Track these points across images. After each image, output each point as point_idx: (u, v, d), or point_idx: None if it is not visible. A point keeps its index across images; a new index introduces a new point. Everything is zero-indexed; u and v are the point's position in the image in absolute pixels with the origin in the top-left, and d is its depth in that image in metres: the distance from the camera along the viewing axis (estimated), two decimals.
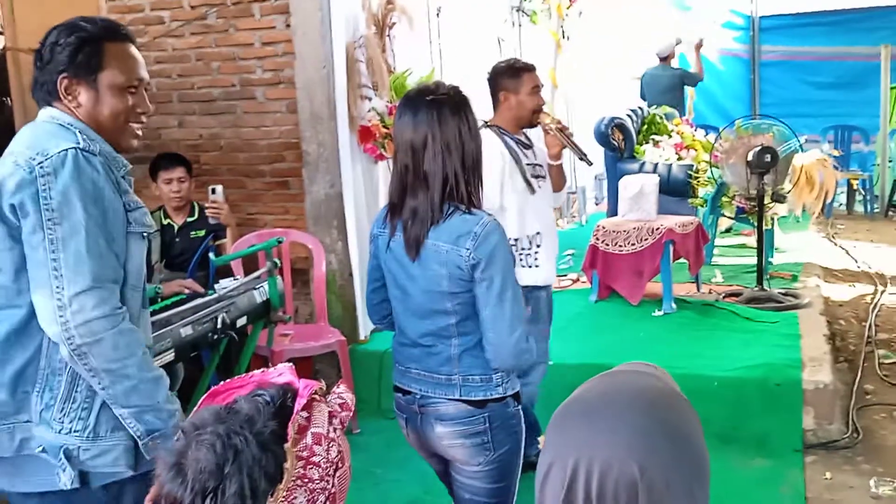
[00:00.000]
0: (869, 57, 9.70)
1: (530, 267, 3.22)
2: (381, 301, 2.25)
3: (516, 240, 3.18)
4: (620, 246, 4.98)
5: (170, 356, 2.77)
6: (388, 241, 2.11)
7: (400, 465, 3.64)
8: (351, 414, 1.18)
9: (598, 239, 5.10)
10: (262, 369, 1.18)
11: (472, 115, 2.06)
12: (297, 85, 4.28)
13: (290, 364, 1.18)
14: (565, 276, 5.86)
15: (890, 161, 8.93)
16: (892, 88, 9.04)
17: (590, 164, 3.60)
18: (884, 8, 10.22)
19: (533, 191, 3.22)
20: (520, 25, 7.41)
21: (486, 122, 3.25)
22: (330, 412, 1.17)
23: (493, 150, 3.12)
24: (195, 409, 1.12)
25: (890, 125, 8.91)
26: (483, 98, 3.24)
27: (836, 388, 3.79)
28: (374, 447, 3.87)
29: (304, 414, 1.13)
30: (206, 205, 4.02)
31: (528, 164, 3.25)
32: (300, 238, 4.30)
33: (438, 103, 2.01)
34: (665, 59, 8.72)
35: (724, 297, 5.10)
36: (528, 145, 3.31)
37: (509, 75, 3.24)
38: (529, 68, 3.27)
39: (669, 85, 8.64)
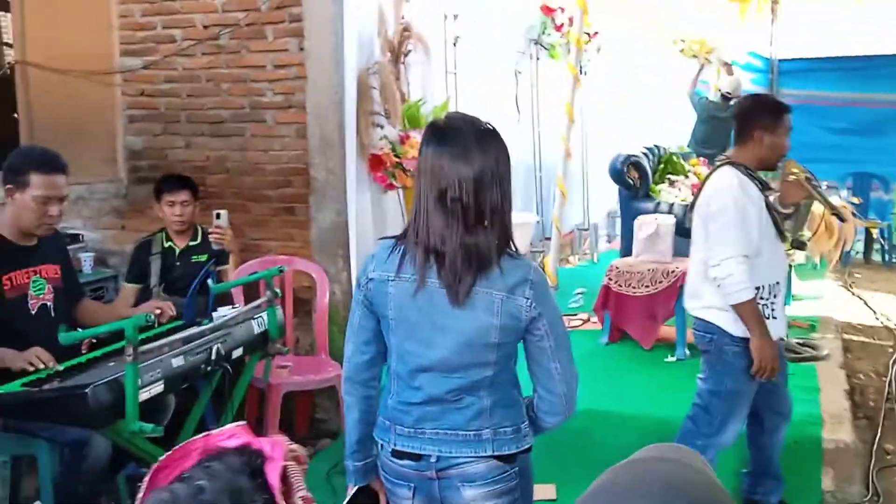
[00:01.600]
0: (889, 104, 9.59)
1: (767, 318, 2.94)
2: (374, 356, 1.98)
3: (759, 288, 2.94)
4: (634, 287, 4.83)
5: (159, 388, 2.63)
6: (414, 289, 1.85)
7: None
8: (306, 468, 1.03)
9: (611, 279, 4.96)
10: (203, 433, 1.02)
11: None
12: (308, 109, 4.17)
13: (243, 423, 1.03)
14: (575, 315, 5.71)
15: None
16: None
17: (842, 220, 3.35)
18: None
19: (784, 238, 3.03)
20: (538, 59, 7.33)
21: (728, 159, 3.05)
22: (295, 458, 1.05)
23: (749, 191, 2.94)
24: (138, 501, 0.95)
25: None
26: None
27: (856, 448, 3.62)
28: None
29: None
30: (210, 229, 3.90)
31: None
32: (304, 266, 4.17)
33: (492, 134, 1.85)
34: (729, 99, 8.62)
35: None
36: (768, 187, 3.07)
37: (770, 112, 3.01)
38: (789, 109, 3.04)
39: (729, 124, 8.58)
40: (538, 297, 1.84)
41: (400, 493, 1.99)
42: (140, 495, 0.95)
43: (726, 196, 2.91)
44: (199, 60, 4.39)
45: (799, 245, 5.12)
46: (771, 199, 3.02)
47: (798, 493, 3.46)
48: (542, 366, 1.91)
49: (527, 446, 1.95)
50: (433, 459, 1.91)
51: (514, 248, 1.89)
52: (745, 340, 2.92)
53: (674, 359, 4.70)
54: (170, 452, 0.99)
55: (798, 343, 4.89)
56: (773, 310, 2.99)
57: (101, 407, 2.44)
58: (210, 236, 3.91)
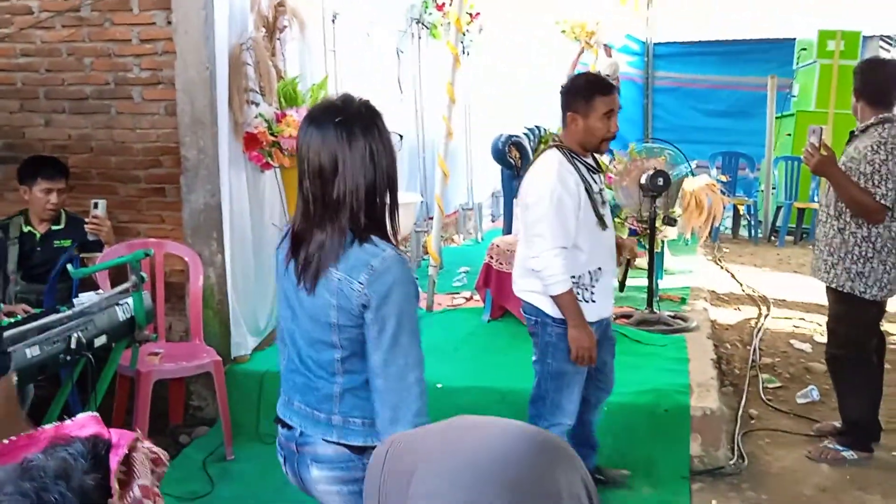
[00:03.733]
0: (756, 87, 10.06)
1: (586, 301, 2.97)
2: None
3: (580, 276, 2.96)
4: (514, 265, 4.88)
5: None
6: (286, 262, 1.91)
7: (276, 493, 3.40)
8: (166, 469, 0.99)
9: (492, 258, 5.00)
10: (53, 424, 0.97)
11: (385, 132, 1.83)
12: (178, 86, 4.00)
13: (94, 414, 0.98)
14: (458, 293, 5.74)
15: (773, 188, 9.24)
16: (777, 118, 9.38)
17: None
18: (772, 40, 10.65)
19: (604, 227, 2.98)
20: (419, 38, 7.30)
21: (556, 140, 3.03)
22: (153, 459, 1.00)
23: (568, 183, 2.88)
24: None
25: (774, 153, 9.24)
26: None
27: (722, 414, 3.78)
28: (249, 475, 3.62)
29: (122, 468, 0.94)
30: (87, 220, 3.71)
31: (597, 192, 2.99)
32: (175, 249, 4.01)
33: (348, 124, 1.78)
34: None
35: (615, 319, 5.06)
36: (596, 169, 3.03)
37: (581, 96, 2.92)
38: (604, 90, 2.92)
39: None
40: (373, 283, 1.77)
41: (280, 461, 2.00)
42: None
43: (543, 187, 2.88)
44: (58, 33, 4.13)
45: (670, 221, 5.33)
46: (597, 180, 3.01)
47: (667, 459, 3.60)
48: (369, 356, 1.82)
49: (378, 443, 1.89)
50: (297, 433, 1.92)
51: (380, 235, 1.83)
52: (566, 323, 2.94)
53: None
54: (13, 439, 0.92)
55: (670, 316, 5.07)
56: (592, 293, 3.00)
57: None
58: (87, 227, 3.71)
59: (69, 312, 2.77)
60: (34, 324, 2.61)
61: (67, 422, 0.96)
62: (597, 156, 3.10)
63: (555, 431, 3.02)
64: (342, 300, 1.79)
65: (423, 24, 7.28)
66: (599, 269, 3.02)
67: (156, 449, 1.00)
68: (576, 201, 2.87)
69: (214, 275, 4.10)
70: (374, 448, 1.82)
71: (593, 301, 3.00)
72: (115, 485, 0.91)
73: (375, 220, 1.83)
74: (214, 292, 4.11)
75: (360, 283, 1.77)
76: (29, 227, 3.80)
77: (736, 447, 3.82)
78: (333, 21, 5.40)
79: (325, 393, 1.87)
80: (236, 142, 4.12)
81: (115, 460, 0.93)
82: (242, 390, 4.01)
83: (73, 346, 2.70)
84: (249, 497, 3.42)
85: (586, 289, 2.99)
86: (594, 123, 2.91)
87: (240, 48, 4.13)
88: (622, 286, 3.45)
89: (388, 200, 1.85)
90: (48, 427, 0.95)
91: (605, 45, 9.89)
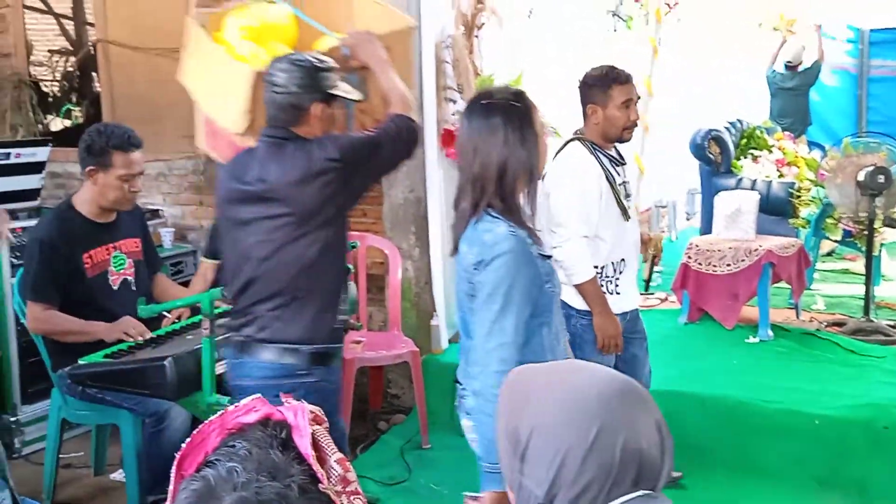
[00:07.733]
0: None
1: (610, 293, 3.00)
2: None
3: (603, 267, 2.99)
4: (715, 266, 4.68)
5: None
6: None
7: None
8: (327, 426, 0.97)
9: (690, 258, 4.81)
10: (219, 412, 0.96)
11: (528, 122, 2.04)
12: None
13: (258, 395, 0.97)
14: (652, 294, 5.57)
15: None
16: None
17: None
18: None
19: (627, 217, 3.01)
20: (615, 31, 7.15)
21: (578, 134, 3.04)
22: (314, 418, 0.97)
23: (589, 173, 2.93)
24: (171, 495, 0.91)
25: None
26: (573, 104, 3.06)
27: None
28: (445, 464, 3.70)
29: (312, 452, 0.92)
30: None
31: (620, 185, 3.02)
32: (376, 242, 4.16)
33: (490, 108, 2.03)
34: (794, 67, 8.46)
35: (826, 327, 4.74)
36: (620, 162, 3.07)
37: (598, 86, 2.93)
38: (621, 79, 2.93)
39: (800, 93, 8.43)
40: (481, 254, 1.99)
41: None
42: (170, 488, 0.91)
43: (564, 177, 2.93)
44: None
45: (891, 223, 4.90)
46: (621, 172, 3.03)
47: (886, 480, 3.33)
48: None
49: None
50: (460, 387, 2.20)
51: (504, 214, 2.02)
52: (591, 314, 2.93)
53: (756, 340, 4.55)
54: (188, 440, 0.93)
55: (889, 325, 4.68)
56: (616, 286, 3.02)
57: (178, 379, 2.48)
58: None
59: None
60: None
61: (230, 407, 0.95)
62: (621, 147, 3.09)
63: None
64: (462, 272, 2.06)
65: (618, 16, 7.13)
66: (623, 260, 3.04)
67: (314, 408, 0.96)
68: (597, 191, 2.92)
69: (412, 268, 4.22)
70: None
71: (618, 293, 3.02)
72: (318, 468, 0.89)
73: (507, 201, 2.03)
74: (412, 285, 4.23)
75: (472, 255, 2.01)
76: None
77: None
78: (529, 16, 5.40)
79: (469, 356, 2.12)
80: (436, 138, 4.21)
81: (304, 443, 0.91)
82: (437, 381, 4.09)
83: None
84: (446, 485, 3.50)
85: (610, 280, 3.02)
86: (613, 113, 2.92)
87: (440, 46, 4.21)
88: (647, 285, 3.30)
89: (524, 186, 2.05)
90: (214, 417, 0.94)
91: (815, 25, 9.24)
